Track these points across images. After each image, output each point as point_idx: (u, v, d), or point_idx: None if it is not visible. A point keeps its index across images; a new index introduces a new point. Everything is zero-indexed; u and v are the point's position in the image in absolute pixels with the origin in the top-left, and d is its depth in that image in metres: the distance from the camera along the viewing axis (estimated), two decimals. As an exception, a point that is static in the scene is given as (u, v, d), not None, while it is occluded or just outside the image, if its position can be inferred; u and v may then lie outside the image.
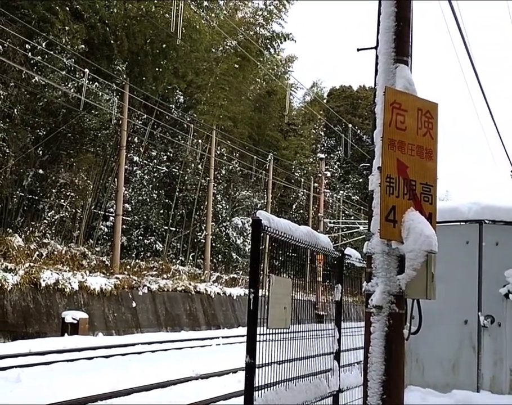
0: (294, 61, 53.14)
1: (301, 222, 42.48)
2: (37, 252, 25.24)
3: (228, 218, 42.93)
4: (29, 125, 27.71)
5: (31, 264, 23.45)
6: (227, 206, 43.85)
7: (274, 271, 5.57)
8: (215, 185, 40.31)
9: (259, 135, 48.27)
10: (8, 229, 25.92)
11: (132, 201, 35.56)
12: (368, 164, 5.67)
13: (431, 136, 5.08)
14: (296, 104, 60.41)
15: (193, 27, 33.78)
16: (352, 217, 58.19)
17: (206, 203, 38.23)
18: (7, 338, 20.67)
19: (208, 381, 14.67)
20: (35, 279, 22.54)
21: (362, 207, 59.76)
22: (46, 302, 22.82)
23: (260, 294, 5.04)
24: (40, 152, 28.68)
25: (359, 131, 60.57)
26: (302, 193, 53.93)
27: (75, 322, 22.57)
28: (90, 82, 28.36)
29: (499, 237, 8.51)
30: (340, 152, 61.56)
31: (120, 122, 30.27)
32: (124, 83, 30.08)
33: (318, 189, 48.35)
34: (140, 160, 36.71)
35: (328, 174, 54.07)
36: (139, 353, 19.51)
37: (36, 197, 29.25)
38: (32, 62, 26.69)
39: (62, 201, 29.97)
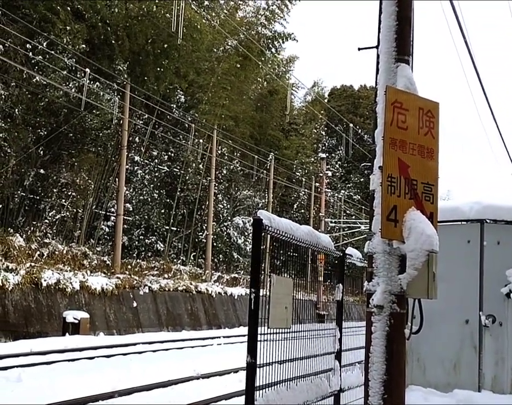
0: (295, 60, 53.20)
1: (302, 222, 42.51)
2: (38, 252, 25.24)
3: (229, 218, 42.93)
4: (30, 125, 27.72)
5: (32, 264, 23.45)
6: (228, 206, 43.85)
7: (275, 271, 5.56)
8: (216, 184, 40.30)
9: (260, 135, 48.26)
10: (9, 228, 25.92)
11: (133, 201, 35.56)
12: (369, 163, 5.67)
13: (432, 135, 5.07)
14: (297, 104, 60.40)
15: (194, 27, 33.78)
16: (353, 217, 58.18)
17: (207, 203, 38.22)
18: (8, 338, 20.67)
19: (209, 381, 14.66)
20: (36, 279, 22.54)
21: (363, 207, 59.76)
22: (47, 302, 22.83)
23: (261, 294, 5.03)
24: (42, 152, 28.68)
25: (360, 130, 60.55)
26: (303, 192, 53.94)
27: (76, 321, 22.57)
28: (91, 82, 28.37)
29: (500, 236, 8.50)
30: (341, 151, 61.50)
31: (121, 122, 30.27)
32: (125, 83, 30.08)
33: (319, 189, 48.31)
34: (142, 159, 36.71)
35: (330, 173, 54.03)
36: (140, 353, 19.50)
37: (38, 197, 29.26)
38: (33, 61, 26.70)
39: (63, 200, 29.98)
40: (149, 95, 32.28)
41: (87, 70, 26.42)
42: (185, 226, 39.16)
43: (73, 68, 28.40)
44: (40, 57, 26.63)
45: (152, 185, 36.79)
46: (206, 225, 38.18)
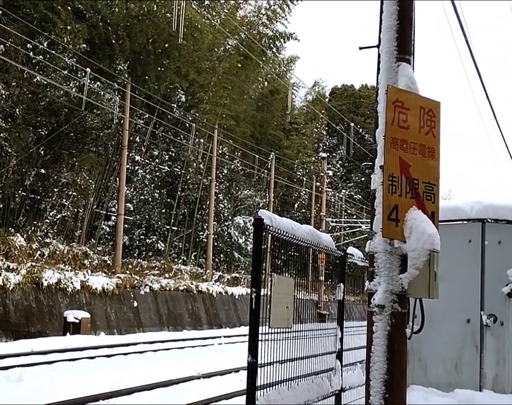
0: (296, 60, 53.18)
1: (303, 221, 42.48)
2: (39, 252, 25.24)
3: (230, 217, 42.93)
4: (31, 124, 27.71)
5: (33, 264, 23.45)
6: (229, 205, 43.85)
7: (276, 270, 5.56)
8: (217, 184, 40.31)
9: (261, 134, 48.24)
10: (10, 228, 25.91)
11: (134, 201, 35.57)
12: (371, 163, 5.66)
13: (433, 134, 5.06)
14: (298, 103, 60.38)
15: (194, 27, 33.77)
16: (354, 217, 58.19)
17: (208, 202, 38.22)
18: (9, 337, 20.68)
19: (210, 380, 14.65)
20: (37, 279, 22.54)
21: (364, 206, 59.76)
22: (48, 302, 22.83)
23: (262, 293, 5.03)
24: (42, 152, 28.68)
25: (361, 130, 60.48)
26: (304, 192, 53.93)
27: (77, 321, 22.57)
28: (92, 82, 28.36)
29: (501, 235, 8.51)
30: (342, 151, 61.43)
31: (122, 121, 30.27)
32: (125, 82, 30.08)
33: (320, 188, 48.31)
34: (142, 159, 36.72)
35: (330, 173, 54.06)
36: (141, 352, 19.50)
37: (38, 197, 29.26)
38: (34, 61, 26.68)
39: (64, 200, 29.99)
40: (150, 94, 32.27)
41: (88, 69, 26.41)
42: (186, 226, 39.16)
43: (74, 68, 28.38)
44: (40, 56, 26.62)
45: (152, 185, 36.79)
46: (206, 224, 38.18)
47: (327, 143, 68.30)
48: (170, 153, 38.64)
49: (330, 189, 56.58)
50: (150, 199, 36.35)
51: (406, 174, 4.87)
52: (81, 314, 22.98)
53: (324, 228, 44.09)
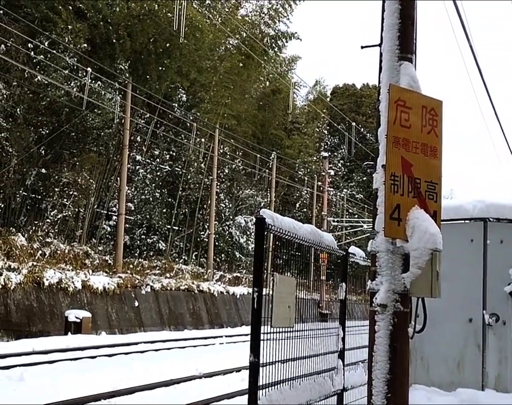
0: (298, 60, 53.16)
1: (305, 221, 42.47)
2: (40, 252, 25.25)
3: (231, 217, 42.93)
4: (32, 124, 27.71)
5: (34, 263, 23.46)
6: (230, 205, 43.85)
7: (278, 270, 5.55)
8: (218, 184, 40.31)
9: (262, 134, 48.23)
10: (11, 228, 25.93)
11: (135, 200, 35.57)
12: (372, 162, 5.65)
13: (435, 134, 5.05)
14: (299, 103, 60.39)
15: (195, 26, 33.75)
16: (356, 216, 58.19)
17: (209, 202, 38.22)
18: (10, 337, 20.69)
19: (212, 380, 14.64)
20: (38, 278, 22.55)
21: (365, 206, 59.73)
22: (49, 301, 22.84)
23: (264, 293, 5.02)
24: (43, 152, 28.68)
25: (362, 129, 60.50)
26: (305, 191, 53.93)
27: (78, 320, 22.58)
28: (93, 82, 28.35)
29: (503, 234, 8.50)
30: (343, 150, 61.49)
31: (123, 121, 30.26)
32: (126, 82, 30.09)
33: (321, 188, 48.31)
34: (143, 159, 36.72)
35: (332, 172, 54.02)
36: (142, 352, 19.49)
37: (39, 197, 29.26)
38: (35, 61, 26.69)
39: (65, 200, 29.99)
40: (151, 94, 32.26)
41: (89, 69, 26.41)
42: (187, 226, 39.16)
43: (75, 67, 28.37)
44: (41, 56, 26.62)
45: (153, 185, 36.79)
46: (208, 224, 38.19)
47: (329, 143, 68.25)
48: (171, 152, 38.64)
49: (331, 189, 56.57)
50: (151, 199, 36.35)
51: (408, 173, 4.86)
52: (82, 313, 22.99)
53: (326, 228, 44.10)
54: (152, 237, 36.32)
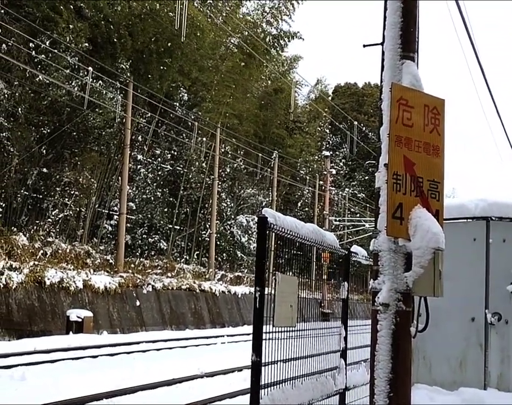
0: (300, 60, 53.17)
1: (307, 220, 42.46)
2: (41, 251, 25.26)
3: (232, 216, 42.93)
4: (33, 123, 27.72)
5: (36, 263, 23.47)
6: (232, 204, 43.85)
7: (280, 269, 5.54)
8: (220, 183, 40.30)
9: (264, 133, 48.23)
10: (12, 227, 25.94)
11: (136, 200, 35.56)
12: (374, 161, 5.64)
13: (438, 132, 5.04)
14: (301, 102, 60.43)
15: (197, 26, 33.72)
16: (357, 215, 58.17)
17: (210, 201, 38.22)
18: (12, 336, 20.70)
19: (213, 379, 14.64)
20: (39, 278, 22.57)
21: (367, 205, 59.75)
22: (51, 301, 22.85)
23: (266, 292, 5.02)
24: (44, 151, 28.69)
25: (364, 128, 60.51)
26: (307, 191, 53.94)
27: (80, 320, 22.59)
28: (94, 81, 28.33)
29: (506, 233, 8.48)
30: (345, 149, 61.54)
31: (124, 120, 30.28)
32: (128, 81, 30.08)
33: (323, 187, 48.31)
34: (144, 158, 36.72)
35: (334, 171, 54.02)
36: (143, 351, 19.50)
37: (41, 196, 29.27)
38: (36, 60, 26.69)
39: (66, 199, 29.99)
40: (152, 93, 32.25)
41: (90, 68, 26.41)
42: (189, 225, 39.16)
43: (76, 66, 28.37)
44: (43, 55, 26.62)
45: (155, 184, 36.79)
46: (209, 223, 38.19)
47: (331, 142, 68.25)
48: (173, 152, 38.63)
49: (333, 188, 56.56)
50: (152, 198, 36.35)
51: (410, 172, 4.84)
52: (83, 313, 23.00)
53: (328, 227, 44.09)
54: (154, 236, 36.32)
